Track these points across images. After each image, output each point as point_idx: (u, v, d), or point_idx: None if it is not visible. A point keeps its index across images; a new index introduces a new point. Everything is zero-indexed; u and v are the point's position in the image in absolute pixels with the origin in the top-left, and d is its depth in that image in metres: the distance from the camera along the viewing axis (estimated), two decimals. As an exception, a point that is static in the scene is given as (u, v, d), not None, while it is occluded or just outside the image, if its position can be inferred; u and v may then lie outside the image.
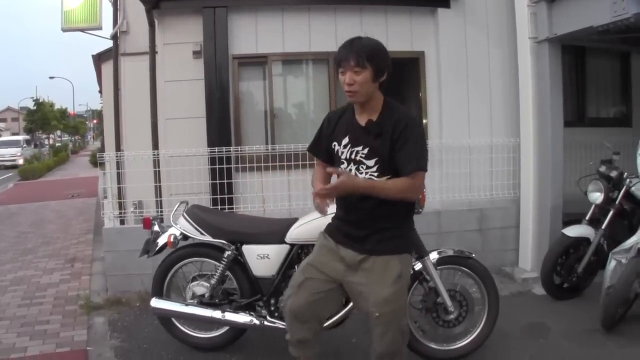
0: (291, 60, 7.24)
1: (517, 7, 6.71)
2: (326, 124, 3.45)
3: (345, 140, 3.28)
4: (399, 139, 3.14)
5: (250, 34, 6.90)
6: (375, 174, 3.21)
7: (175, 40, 6.86)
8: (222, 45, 6.71)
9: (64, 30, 9.71)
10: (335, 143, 3.34)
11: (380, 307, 3.30)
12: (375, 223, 3.27)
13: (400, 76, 7.65)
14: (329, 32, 7.01)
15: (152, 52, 7.40)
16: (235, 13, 6.82)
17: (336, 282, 3.45)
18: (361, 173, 3.23)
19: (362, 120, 3.26)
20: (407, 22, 7.21)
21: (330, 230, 3.49)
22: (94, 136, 79.57)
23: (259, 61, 7.05)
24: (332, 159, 3.42)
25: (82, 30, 9.97)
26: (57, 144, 52.56)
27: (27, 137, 41.68)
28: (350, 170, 3.25)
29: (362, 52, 3.10)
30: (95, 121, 74.05)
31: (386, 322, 3.35)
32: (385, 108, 3.25)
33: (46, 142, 49.20)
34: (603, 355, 4.56)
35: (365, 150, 3.22)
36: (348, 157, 3.26)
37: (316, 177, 3.52)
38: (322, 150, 3.49)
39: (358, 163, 3.24)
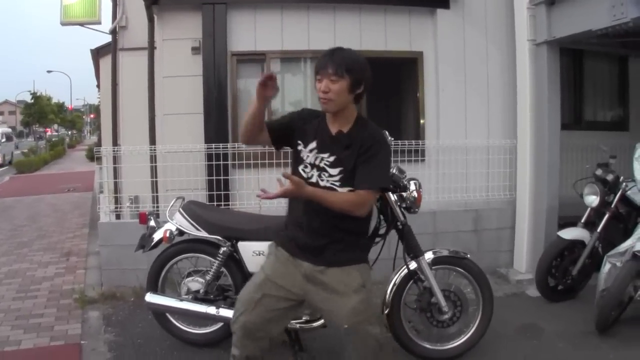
0: (290, 58, 7.25)
1: (517, 9, 6.73)
2: (298, 116, 3.35)
3: (313, 145, 3.22)
4: (364, 154, 3.13)
5: (249, 31, 6.90)
6: (337, 184, 3.16)
7: (174, 36, 6.87)
8: (221, 42, 6.72)
9: (63, 24, 9.69)
10: (300, 142, 3.26)
11: (348, 318, 3.22)
12: (335, 232, 3.19)
13: (399, 76, 7.68)
14: (327, 31, 7.02)
15: (151, 48, 7.38)
16: (234, 10, 6.82)
17: (297, 298, 3.33)
18: (322, 180, 3.17)
19: (333, 129, 3.22)
20: (406, 22, 7.22)
21: (282, 241, 3.36)
22: (90, 131, 79.42)
23: (257, 58, 7.06)
24: (279, 140, 3.32)
25: (81, 24, 9.95)
26: (54, 138, 52.37)
27: (8, 130, 39.89)
28: (312, 175, 3.19)
29: (342, 62, 3.08)
30: (92, 116, 73.93)
31: (357, 332, 3.27)
32: (358, 122, 3.23)
33: (44, 135, 49.07)
34: (597, 357, 4.58)
35: (331, 159, 3.17)
36: (312, 162, 3.20)
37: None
38: (279, 128, 3.30)
39: (321, 170, 3.18)
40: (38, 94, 44.63)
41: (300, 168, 3.23)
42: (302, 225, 3.24)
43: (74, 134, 74.65)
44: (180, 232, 4.61)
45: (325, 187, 3.15)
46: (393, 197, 4.37)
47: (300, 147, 3.25)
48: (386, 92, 7.77)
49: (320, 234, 3.19)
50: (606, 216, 5.67)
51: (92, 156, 31.43)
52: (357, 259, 3.31)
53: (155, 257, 4.77)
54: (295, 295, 3.29)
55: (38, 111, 43.75)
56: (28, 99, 46.28)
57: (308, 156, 3.22)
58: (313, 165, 3.20)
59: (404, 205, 4.40)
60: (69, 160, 36.30)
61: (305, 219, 3.21)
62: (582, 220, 5.84)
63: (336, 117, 3.20)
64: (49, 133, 53.92)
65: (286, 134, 3.29)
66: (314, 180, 3.18)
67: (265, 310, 3.29)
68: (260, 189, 2.99)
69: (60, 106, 58.13)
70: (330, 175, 3.17)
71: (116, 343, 4.92)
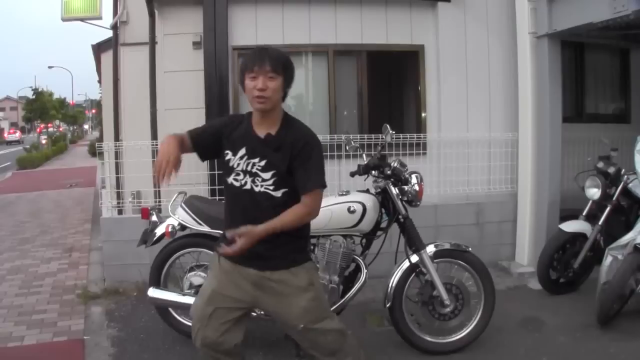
0: (291, 52, 7.21)
1: (517, 2, 6.73)
2: (223, 125, 3.24)
3: (242, 152, 3.12)
4: (298, 156, 3.08)
5: (250, 26, 6.89)
6: (271, 187, 3.09)
7: (175, 30, 6.86)
8: (222, 37, 6.71)
9: (64, 19, 9.68)
10: (228, 152, 3.15)
11: (301, 318, 3.22)
12: (277, 237, 3.06)
13: (400, 69, 7.68)
14: (329, 25, 7.02)
15: (152, 43, 7.40)
16: (235, 4, 6.81)
17: (248, 306, 3.29)
18: (257, 186, 3.09)
19: (260, 132, 3.13)
20: (407, 16, 7.21)
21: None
22: (92, 126, 79.49)
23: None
24: (206, 154, 3.31)
25: (82, 20, 9.93)
26: (56, 133, 52.40)
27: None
28: (246, 182, 3.10)
29: (279, 59, 3.04)
30: (94, 111, 73.99)
31: (313, 330, 3.27)
32: (285, 122, 3.18)
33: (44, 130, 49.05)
34: (598, 349, 4.58)
35: (262, 163, 3.09)
36: (244, 169, 3.10)
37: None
38: (205, 145, 3.21)
39: (254, 175, 3.10)
40: (40, 90, 44.68)
41: (232, 178, 3.13)
42: None
43: (75, 130, 74.68)
44: (183, 227, 4.62)
45: (260, 193, 3.08)
46: (395, 190, 4.40)
47: (229, 157, 3.15)
48: (387, 85, 7.78)
49: (262, 240, 3.04)
50: (608, 209, 5.66)
51: (94, 151, 31.56)
52: (302, 259, 3.26)
53: (157, 252, 4.79)
54: (246, 303, 3.24)
55: (40, 107, 43.82)
56: (29, 94, 46.39)
57: (239, 164, 3.12)
58: (245, 172, 3.11)
59: (405, 199, 4.43)
60: (71, 156, 36.45)
61: (255, 216, 3.05)
62: (584, 213, 5.84)
63: (264, 118, 3.13)
64: (50, 129, 53.95)
65: (213, 147, 3.21)
66: (248, 187, 3.10)
67: (219, 323, 3.24)
68: (217, 246, 3.06)
69: (62, 102, 58.20)
70: (264, 180, 3.10)
71: (119, 338, 4.93)
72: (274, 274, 3.15)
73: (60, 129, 54.97)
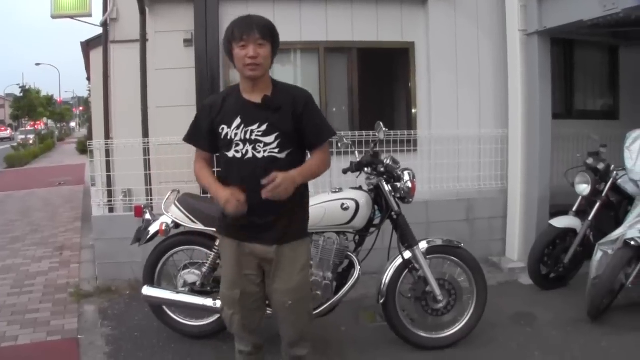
0: (282, 50, 7.19)
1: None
2: (208, 111, 3.28)
3: (237, 121, 3.15)
4: (304, 113, 3.18)
5: (241, 23, 6.88)
6: (276, 150, 3.13)
7: (166, 28, 6.84)
8: (213, 34, 6.70)
9: (54, 17, 9.64)
10: (223, 126, 3.18)
11: (292, 295, 3.29)
12: (281, 207, 3.13)
13: (391, 66, 7.70)
14: (319, 22, 7.04)
15: (143, 40, 7.37)
16: (226, 2, 6.79)
17: (262, 279, 3.38)
18: (259, 152, 3.12)
19: (255, 98, 3.17)
20: (397, 13, 7.23)
21: (228, 231, 3.33)
22: (79, 123, 79.06)
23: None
24: (213, 147, 3.31)
25: (72, 17, 9.90)
26: (43, 131, 52.10)
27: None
28: (247, 151, 3.13)
29: (266, 26, 3.12)
30: (81, 108, 73.54)
31: (298, 309, 3.36)
32: (276, 85, 3.24)
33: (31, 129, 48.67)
34: (589, 343, 4.63)
35: (263, 127, 3.12)
36: (243, 137, 3.13)
37: (207, 174, 3.32)
38: (203, 138, 3.31)
39: (254, 142, 3.12)
40: (27, 88, 44.36)
41: (233, 151, 3.16)
42: (252, 206, 3.11)
43: (63, 127, 74.25)
44: (176, 225, 4.63)
45: (263, 158, 3.12)
46: (387, 187, 4.43)
47: (225, 130, 3.18)
48: (378, 82, 7.79)
49: (272, 212, 3.15)
50: (597, 205, 5.72)
51: (83, 149, 31.30)
52: (303, 232, 3.36)
53: (151, 250, 4.79)
54: (260, 276, 3.35)
55: (27, 104, 43.51)
56: (17, 92, 46.05)
57: (236, 133, 3.15)
58: (245, 141, 3.14)
59: (398, 196, 4.47)
60: (59, 154, 36.21)
61: (257, 199, 3.07)
62: (574, 209, 5.90)
63: (256, 85, 3.16)
64: (40, 126, 53.64)
65: (211, 135, 3.26)
66: (250, 155, 3.13)
67: (250, 302, 3.36)
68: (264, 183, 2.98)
69: (50, 99, 57.82)
70: (266, 144, 3.13)
71: (113, 337, 4.93)
72: (278, 248, 3.23)
73: (42, 125, 54.37)
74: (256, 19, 3.14)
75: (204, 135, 3.29)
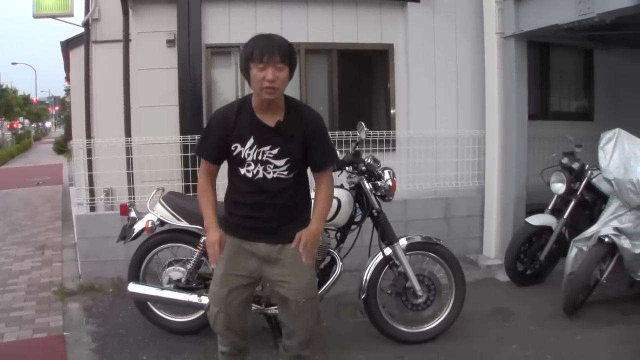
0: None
1: (485, 3, 6.91)
2: (220, 125, 3.24)
3: (251, 142, 3.16)
4: (313, 139, 3.24)
5: (223, 24, 6.93)
6: (285, 173, 3.20)
7: (148, 29, 6.86)
8: (196, 35, 6.74)
9: (36, 16, 9.60)
10: (237, 145, 3.18)
11: (304, 293, 3.35)
12: (289, 214, 3.28)
13: (370, 68, 7.80)
14: (300, 23, 7.10)
15: (126, 40, 7.40)
16: (208, 3, 6.84)
17: (255, 280, 3.43)
18: (269, 173, 3.19)
19: (268, 120, 3.18)
20: (377, 15, 7.32)
21: (233, 229, 3.34)
22: (55, 123, 78.24)
23: (231, 51, 7.12)
24: (221, 160, 3.31)
25: (54, 17, 9.87)
26: (20, 131, 51.54)
27: None
28: (258, 172, 3.18)
29: (287, 49, 3.06)
30: (57, 108, 72.80)
31: (310, 307, 3.42)
32: (289, 106, 3.25)
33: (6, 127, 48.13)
34: (565, 337, 4.76)
35: (275, 151, 3.16)
36: (255, 158, 3.17)
37: (209, 203, 3.32)
38: (213, 152, 3.29)
39: (265, 163, 3.17)
40: (4, 87, 43.88)
41: (244, 170, 3.20)
42: (260, 217, 3.25)
43: (40, 128, 73.47)
44: (162, 223, 4.68)
45: (272, 179, 3.19)
46: (368, 185, 4.52)
47: (238, 149, 3.19)
48: (358, 83, 7.90)
49: (277, 219, 3.26)
50: (572, 203, 5.86)
51: (60, 149, 30.95)
52: None
53: (136, 248, 4.84)
54: (254, 278, 3.39)
55: (4, 104, 43.03)
56: (-7, 91, 45.54)
57: (249, 154, 3.17)
58: (257, 162, 3.18)
59: (378, 194, 4.56)
60: (36, 153, 35.91)
61: (265, 211, 3.23)
62: (549, 207, 6.02)
63: (270, 106, 3.16)
64: (18, 126, 53.11)
65: (221, 149, 3.25)
66: (260, 175, 3.19)
67: (237, 302, 3.38)
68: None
69: (26, 99, 57.21)
70: (276, 167, 3.19)
71: (99, 333, 4.96)
72: (284, 247, 3.29)
73: (19, 124, 53.80)
74: (278, 40, 3.08)
75: (214, 149, 3.27)
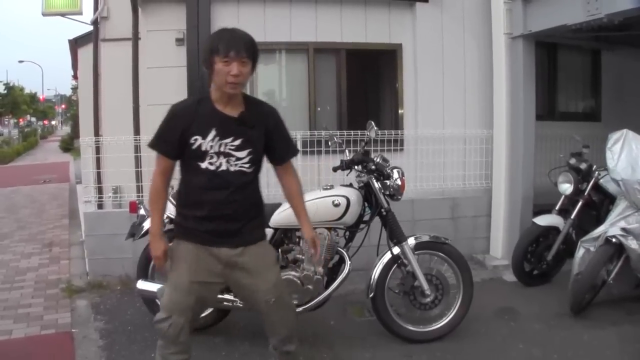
0: (272, 49, 7.33)
1: (493, 3, 6.91)
2: (178, 118, 3.18)
3: (213, 134, 3.14)
4: (275, 130, 3.32)
5: (232, 23, 6.73)
6: (247, 165, 3.21)
7: (158, 27, 6.88)
8: (205, 34, 6.71)
9: (45, 14, 9.63)
10: (197, 137, 3.13)
11: (273, 292, 3.35)
12: (249, 212, 3.28)
13: (378, 67, 7.82)
14: (309, 23, 7.13)
15: (135, 39, 7.43)
16: (218, 2, 6.86)
17: (220, 283, 3.40)
18: (232, 166, 3.18)
19: (230, 111, 3.19)
20: (385, 15, 7.34)
21: (188, 234, 3.26)
22: (61, 121, 78.46)
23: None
24: (178, 155, 3.22)
25: (63, 15, 9.90)
26: (27, 129, 51.66)
27: None
28: (221, 164, 3.15)
29: (252, 45, 3.11)
30: (63, 106, 73.00)
31: (282, 304, 3.44)
32: (247, 100, 3.29)
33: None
34: (571, 337, 4.77)
35: (237, 142, 3.17)
36: (217, 150, 3.14)
37: (159, 207, 3.27)
38: (171, 146, 3.20)
39: (227, 155, 3.16)
40: (11, 85, 43.95)
41: (206, 163, 3.16)
42: (218, 216, 3.20)
43: (46, 126, 73.63)
44: (171, 220, 4.69)
45: (234, 172, 3.18)
46: (377, 184, 4.54)
47: (199, 142, 3.14)
48: (366, 83, 7.91)
49: (239, 218, 3.24)
50: (580, 203, 5.86)
51: (67, 147, 30.98)
52: (264, 234, 3.48)
53: (145, 246, 4.84)
54: (218, 282, 3.37)
55: (11, 102, 43.10)
56: (0, 89, 45.61)
57: (212, 146, 3.15)
58: (219, 154, 3.16)
59: (387, 193, 4.57)
60: (42, 151, 35.99)
61: (226, 209, 3.19)
62: (557, 208, 6.03)
63: (231, 100, 3.18)
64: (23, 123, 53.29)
65: (179, 143, 3.17)
66: (223, 167, 3.17)
67: (201, 307, 3.44)
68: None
69: (33, 97, 57.33)
70: (238, 159, 3.19)
71: (107, 330, 4.99)
72: (246, 250, 3.26)
73: (24, 121, 54.02)
74: (242, 35, 3.13)
75: (173, 143, 3.18)
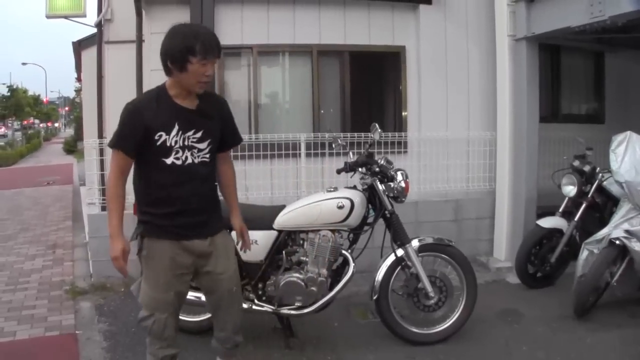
0: (276, 52, 7.35)
1: (497, 5, 6.90)
2: (139, 116, 3.15)
3: (176, 129, 3.17)
4: (227, 118, 3.47)
5: (236, 25, 6.97)
6: (207, 156, 3.29)
7: (162, 29, 6.70)
8: (209, 36, 6.77)
9: (49, 17, 9.64)
10: (162, 133, 3.14)
11: (234, 281, 3.55)
12: (212, 204, 3.41)
13: (382, 70, 7.82)
14: (313, 25, 7.14)
15: (139, 41, 7.44)
16: (222, 4, 6.89)
17: (191, 273, 3.43)
18: (196, 158, 3.24)
19: (188, 104, 3.23)
20: (389, 18, 7.35)
21: (160, 232, 3.28)
22: (64, 123, 78.47)
23: (244, 52, 7.15)
24: (135, 154, 3.21)
25: (67, 17, 9.90)
26: (30, 130, 51.74)
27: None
28: (187, 157, 3.21)
29: (219, 43, 3.18)
30: (67, 108, 73.05)
31: (239, 295, 3.66)
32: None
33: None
34: (575, 339, 4.77)
35: (199, 134, 3.23)
36: (182, 144, 3.18)
37: (118, 207, 3.27)
38: (131, 144, 3.18)
39: (191, 148, 3.22)
40: (15, 87, 44.00)
41: (172, 159, 3.18)
42: (188, 210, 3.26)
43: (49, 128, 73.73)
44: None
45: (198, 164, 3.25)
46: (381, 186, 4.54)
47: (163, 137, 3.15)
48: (369, 85, 7.92)
49: (205, 210, 3.35)
50: (583, 206, 5.85)
51: (70, 149, 31.00)
52: (224, 224, 3.57)
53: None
54: (191, 272, 3.43)
55: (15, 104, 43.16)
56: (3, 91, 45.71)
57: (176, 141, 3.17)
58: (183, 148, 3.20)
59: (391, 195, 4.57)
60: (46, 154, 36.03)
61: (195, 202, 3.27)
62: (560, 210, 6.03)
63: (189, 93, 3.22)
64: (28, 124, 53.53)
65: (141, 146, 3.17)
66: (189, 161, 3.22)
67: (180, 300, 3.44)
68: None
69: (36, 99, 57.43)
70: (200, 150, 3.25)
71: (111, 332, 5.01)
72: (213, 239, 3.40)
73: (29, 122, 54.18)
74: (212, 34, 3.21)
75: (133, 141, 3.17)
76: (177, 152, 3.19)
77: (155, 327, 3.34)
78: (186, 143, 3.20)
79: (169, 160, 3.18)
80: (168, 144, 3.16)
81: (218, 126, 3.36)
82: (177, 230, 3.26)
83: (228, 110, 3.51)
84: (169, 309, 3.34)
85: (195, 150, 3.24)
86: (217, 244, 3.41)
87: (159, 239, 3.29)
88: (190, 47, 3.06)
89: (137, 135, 3.14)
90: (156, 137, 3.14)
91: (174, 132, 3.16)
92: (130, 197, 6.47)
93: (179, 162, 3.20)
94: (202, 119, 3.26)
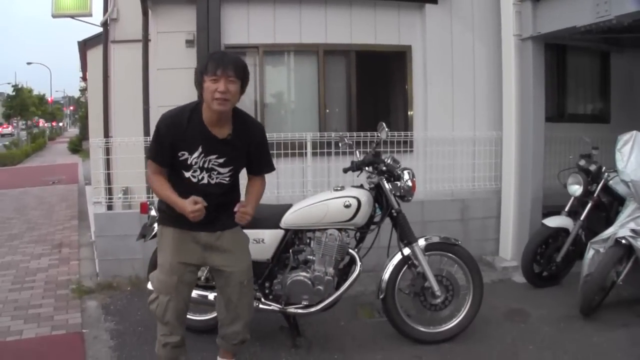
0: (281, 51, 7.36)
1: (503, 5, 6.90)
2: (171, 131, 3.36)
3: (199, 151, 3.37)
4: (256, 148, 3.56)
5: (242, 25, 6.99)
6: (227, 179, 3.48)
7: (168, 29, 6.92)
8: (215, 35, 6.79)
9: (55, 16, 9.69)
10: (184, 153, 3.37)
11: (246, 274, 3.67)
12: (225, 209, 3.49)
13: (388, 69, 7.83)
14: (319, 25, 7.16)
15: (145, 40, 7.47)
16: (228, 3, 6.90)
17: (198, 266, 3.68)
18: (213, 179, 3.44)
19: (217, 132, 3.39)
20: (395, 17, 7.36)
21: (172, 220, 3.52)
22: (69, 123, 78.62)
23: (250, 51, 7.15)
24: (169, 165, 3.45)
25: (73, 17, 9.96)
26: (35, 129, 51.80)
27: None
28: (203, 177, 3.43)
29: (239, 64, 3.31)
30: (72, 108, 73.16)
31: (251, 288, 3.79)
32: (237, 118, 3.47)
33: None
34: (581, 338, 4.76)
35: (221, 160, 3.42)
36: (202, 165, 3.40)
37: (166, 187, 3.43)
38: (166, 157, 3.42)
39: (210, 170, 3.42)
40: (20, 86, 43.98)
41: (189, 174, 3.42)
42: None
43: (54, 128, 73.83)
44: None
45: (214, 184, 3.45)
46: (388, 185, 4.54)
47: (185, 156, 3.38)
48: (375, 84, 7.92)
49: (215, 209, 3.44)
50: (589, 205, 5.85)
51: (75, 148, 31.03)
52: (236, 223, 3.60)
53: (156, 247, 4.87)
54: (198, 265, 3.65)
55: (20, 103, 43.14)
56: (8, 91, 45.67)
57: (196, 162, 3.39)
58: (202, 169, 3.41)
59: (398, 194, 4.57)
60: (51, 153, 36.06)
61: (207, 209, 3.35)
62: (566, 209, 6.03)
63: (220, 119, 3.37)
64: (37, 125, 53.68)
65: (173, 158, 3.41)
66: (205, 181, 3.44)
67: (184, 288, 3.58)
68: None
69: (41, 98, 57.43)
70: (220, 174, 3.46)
71: (117, 331, 5.01)
72: (222, 234, 3.56)
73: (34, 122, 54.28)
74: (231, 57, 3.33)
75: (167, 155, 3.40)
76: (195, 171, 3.41)
77: (158, 310, 3.56)
78: (207, 165, 3.40)
79: (187, 174, 3.43)
80: (189, 162, 3.39)
81: (244, 156, 3.53)
82: (185, 220, 3.39)
83: (262, 138, 3.62)
84: (171, 292, 3.52)
85: (215, 173, 3.44)
86: (227, 238, 3.57)
87: (169, 226, 3.56)
88: (203, 67, 3.28)
89: (165, 150, 3.39)
90: (179, 154, 3.38)
91: (196, 154, 3.38)
92: (139, 197, 6.61)
93: (194, 180, 3.43)
94: (227, 148, 3.42)
